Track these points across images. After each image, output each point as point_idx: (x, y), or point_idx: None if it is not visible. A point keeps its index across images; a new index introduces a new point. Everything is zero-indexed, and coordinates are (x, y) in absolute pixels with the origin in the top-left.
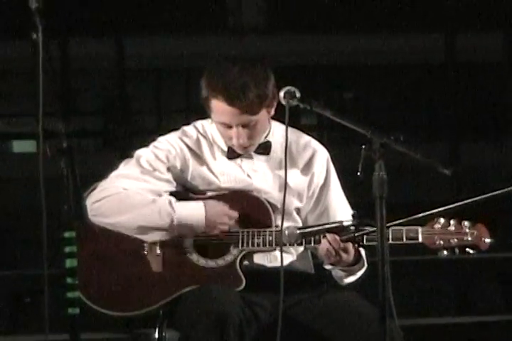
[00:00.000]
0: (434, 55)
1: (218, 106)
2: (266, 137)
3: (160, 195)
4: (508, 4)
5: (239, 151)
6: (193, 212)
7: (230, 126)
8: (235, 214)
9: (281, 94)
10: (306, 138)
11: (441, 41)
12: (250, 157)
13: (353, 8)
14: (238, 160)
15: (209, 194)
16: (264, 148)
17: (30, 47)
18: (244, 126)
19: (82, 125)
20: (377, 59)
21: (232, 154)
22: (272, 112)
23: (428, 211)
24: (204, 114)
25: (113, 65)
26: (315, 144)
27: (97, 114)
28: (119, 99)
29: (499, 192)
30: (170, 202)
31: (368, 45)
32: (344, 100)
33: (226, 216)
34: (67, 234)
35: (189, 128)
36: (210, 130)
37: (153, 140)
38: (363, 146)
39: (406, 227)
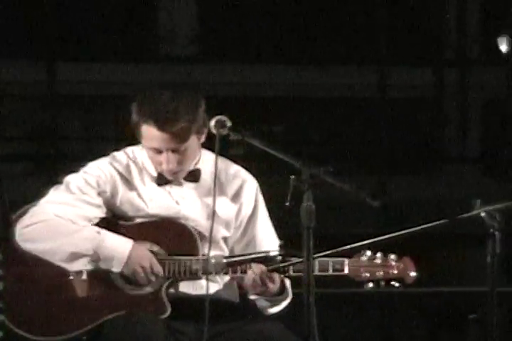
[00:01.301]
0: (365, 89)
1: (149, 131)
2: (196, 165)
3: (90, 221)
4: (438, 41)
5: (168, 177)
6: (119, 245)
7: (160, 151)
8: (158, 268)
9: (212, 122)
10: (235, 168)
11: (373, 75)
12: (179, 184)
13: (285, 39)
14: (167, 187)
15: (137, 221)
16: (194, 176)
17: None
18: (174, 151)
19: (10, 150)
20: (308, 92)
21: (161, 180)
22: (203, 139)
23: (355, 243)
24: (133, 141)
25: (43, 91)
26: (244, 174)
27: (26, 139)
28: (48, 125)
29: (425, 226)
30: (98, 231)
31: (300, 78)
32: (273, 133)
33: (148, 262)
34: None
35: (119, 154)
36: (140, 156)
37: (83, 165)
38: (292, 176)
39: (332, 259)
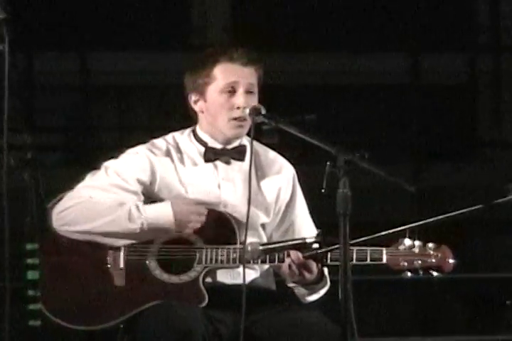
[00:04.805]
0: (397, 76)
1: (225, 67)
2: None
3: None
4: (472, 26)
5: (233, 130)
6: (160, 212)
7: (234, 92)
8: (203, 210)
9: (247, 110)
10: (273, 153)
11: (405, 62)
12: (228, 162)
13: (318, 27)
14: (213, 166)
15: None
16: (240, 153)
17: None
18: (247, 92)
19: (45, 140)
20: (341, 79)
21: (210, 154)
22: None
23: (391, 230)
24: (167, 128)
25: (76, 81)
26: (282, 160)
27: (60, 129)
28: (83, 115)
29: (462, 211)
30: (137, 207)
31: (333, 65)
32: (306, 121)
33: (194, 213)
34: (29, 246)
35: (158, 141)
36: (182, 140)
37: (118, 155)
38: (328, 163)
39: (370, 248)
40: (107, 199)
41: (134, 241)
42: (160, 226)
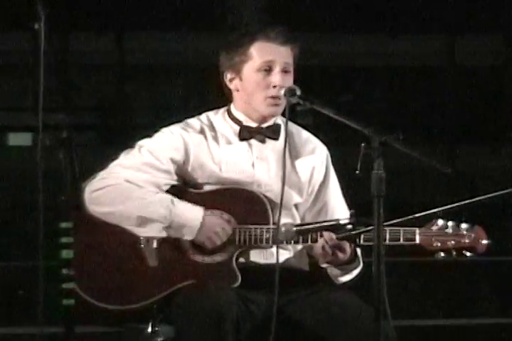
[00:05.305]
0: (433, 58)
1: (262, 46)
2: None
3: (160, 187)
4: (508, 7)
5: (269, 108)
6: (191, 211)
7: (270, 70)
8: (230, 229)
9: (282, 92)
10: (306, 133)
11: (441, 43)
12: (262, 140)
13: (353, 9)
14: (247, 145)
15: (207, 188)
16: (274, 132)
17: (32, 39)
18: (284, 72)
19: (79, 119)
20: (374, 61)
21: (245, 133)
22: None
23: (425, 211)
24: (201, 108)
25: (112, 60)
26: (315, 140)
27: (95, 109)
28: (118, 95)
29: (496, 194)
30: (172, 199)
31: (368, 47)
32: (341, 102)
33: (220, 229)
34: (63, 225)
35: (192, 120)
36: (216, 119)
37: (155, 132)
38: (362, 144)
39: (403, 228)
40: (140, 181)
41: (156, 234)
42: (184, 224)
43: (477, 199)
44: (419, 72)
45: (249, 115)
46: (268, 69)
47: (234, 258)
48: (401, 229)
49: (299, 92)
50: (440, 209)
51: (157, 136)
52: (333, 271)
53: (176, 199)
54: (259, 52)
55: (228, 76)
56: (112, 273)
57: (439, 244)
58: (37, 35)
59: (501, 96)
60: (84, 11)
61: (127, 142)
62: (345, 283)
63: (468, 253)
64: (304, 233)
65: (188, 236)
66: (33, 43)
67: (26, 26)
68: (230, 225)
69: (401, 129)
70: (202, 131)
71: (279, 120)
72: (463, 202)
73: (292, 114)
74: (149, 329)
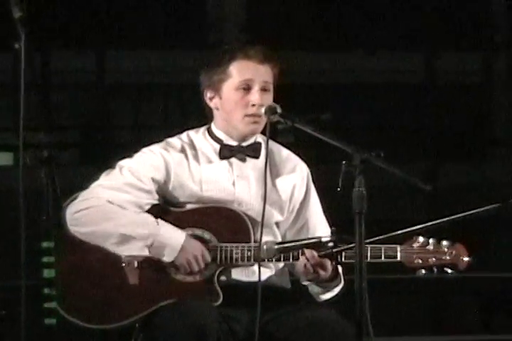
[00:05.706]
0: (413, 75)
1: (241, 65)
2: (256, 139)
3: (141, 207)
4: (488, 25)
5: (249, 125)
6: (173, 233)
7: (249, 89)
8: (208, 257)
9: (262, 110)
10: (286, 151)
11: (420, 61)
12: (243, 159)
13: (331, 26)
14: (228, 164)
15: (189, 207)
16: (255, 150)
17: (12, 58)
18: (263, 90)
19: (60, 138)
20: (356, 78)
21: (225, 151)
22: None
23: (406, 228)
24: (182, 126)
25: (93, 79)
26: (295, 158)
27: (76, 128)
28: (98, 113)
29: (477, 210)
30: (155, 220)
31: (347, 64)
32: (322, 120)
33: (199, 257)
34: (45, 244)
35: (173, 139)
36: (196, 138)
37: (133, 153)
38: (344, 162)
39: (385, 246)
40: (121, 201)
41: (137, 253)
42: (163, 248)
43: (458, 216)
44: (399, 89)
45: (230, 133)
46: (247, 88)
47: (215, 277)
48: (382, 246)
49: (279, 110)
50: (421, 226)
51: (138, 155)
52: (314, 288)
53: (159, 220)
54: (238, 71)
55: (208, 94)
56: (94, 293)
57: (420, 261)
58: (17, 54)
59: (480, 113)
60: (65, 30)
61: (108, 161)
62: (326, 301)
63: (449, 271)
64: (285, 251)
65: (167, 258)
66: (14, 62)
67: (6, 45)
68: (209, 251)
69: (382, 146)
70: (183, 150)
71: (260, 138)
72: (444, 219)
73: (274, 132)
74: None
